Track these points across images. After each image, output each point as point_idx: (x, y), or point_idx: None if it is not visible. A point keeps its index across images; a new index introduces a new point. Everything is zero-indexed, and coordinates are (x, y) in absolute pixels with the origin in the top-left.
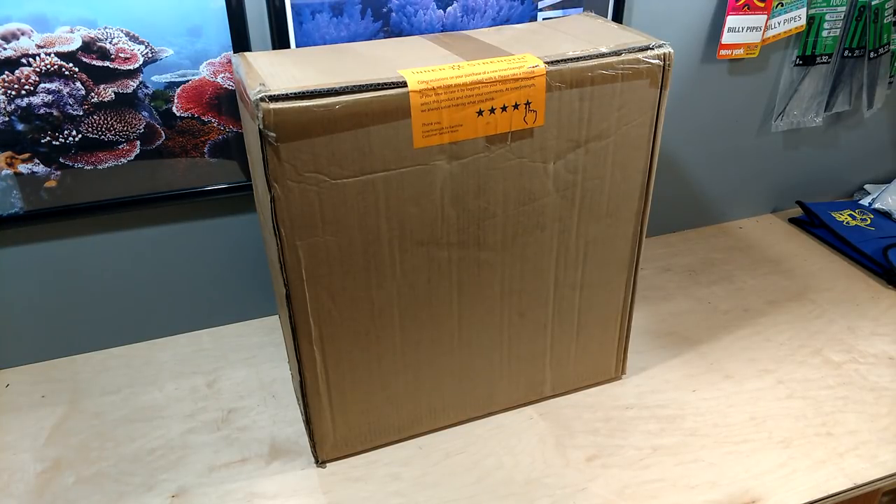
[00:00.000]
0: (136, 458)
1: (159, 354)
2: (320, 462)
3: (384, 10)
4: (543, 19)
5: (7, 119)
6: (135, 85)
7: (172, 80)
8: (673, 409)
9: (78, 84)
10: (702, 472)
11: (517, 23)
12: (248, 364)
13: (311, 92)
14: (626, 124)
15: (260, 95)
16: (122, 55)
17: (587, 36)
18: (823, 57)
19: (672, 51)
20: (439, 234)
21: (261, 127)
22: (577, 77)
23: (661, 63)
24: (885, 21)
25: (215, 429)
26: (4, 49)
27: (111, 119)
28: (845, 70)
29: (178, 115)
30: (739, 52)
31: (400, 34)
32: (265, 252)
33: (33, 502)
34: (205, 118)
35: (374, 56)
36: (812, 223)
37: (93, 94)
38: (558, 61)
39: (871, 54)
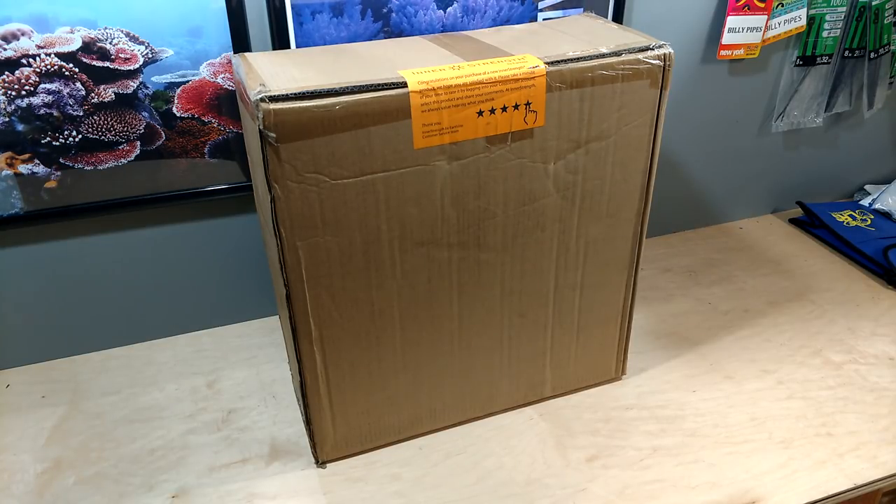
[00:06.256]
0: (136, 459)
1: (159, 355)
2: (320, 462)
3: (384, 10)
4: (543, 20)
5: (7, 119)
6: (135, 85)
7: (172, 80)
8: (673, 410)
9: (78, 84)
10: (702, 472)
11: (517, 23)
12: (248, 364)
13: (312, 92)
14: (627, 125)
15: (260, 96)
16: (122, 56)
17: (587, 36)
18: (824, 57)
19: (672, 51)
20: (439, 235)
21: (261, 127)
22: (578, 77)
23: (662, 63)
24: (885, 21)
25: (215, 429)
26: (4, 49)
27: (111, 119)
28: (845, 70)
29: (178, 115)
30: (740, 53)
31: (400, 34)
32: (265, 252)
33: (33, 503)
34: (205, 119)
35: (374, 56)
36: (812, 223)
37: (93, 94)
38: (558, 62)
39: (872, 55)
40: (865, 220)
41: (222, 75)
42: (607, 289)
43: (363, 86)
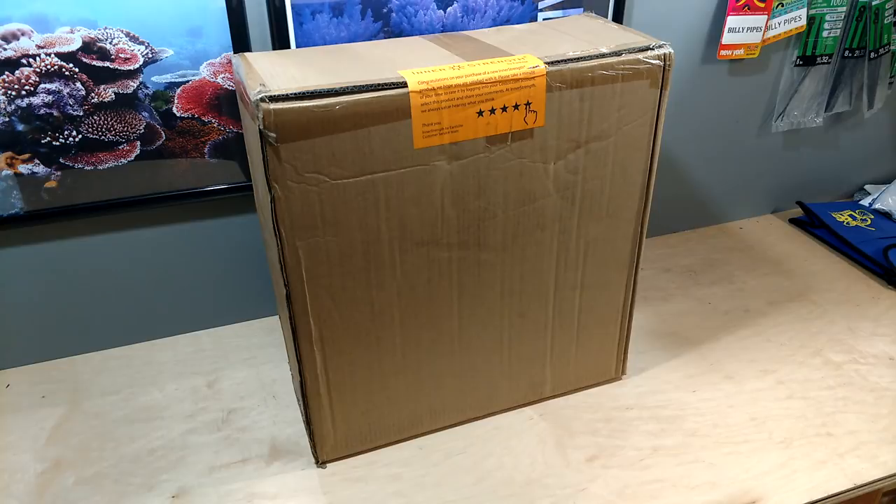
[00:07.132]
0: (136, 459)
1: (159, 355)
2: (320, 462)
3: (384, 10)
4: (543, 20)
5: (7, 119)
6: (135, 85)
7: (172, 80)
8: (673, 410)
9: (78, 84)
10: (702, 472)
11: (517, 23)
12: (248, 364)
13: (312, 92)
14: (627, 124)
15: (260, 96)
16: (122, 56)
17: (587, 36)
18: (824, 57)
19: (672, 51)
20: (440, 235)
21: (261, 127)
22: (578, 77)
23: (662, 63)
24: (885, 21)
25: (216, 429)
26: (4, 49)
27: (111, 119)
28: (845, 70)
29: (178, 115)
30: (740, 53)
31: (400, 34)
32: (265, 252)
33: (33, 503)
34: (205, 119)
35: (374, 56)
36: (812, 223)
37: (93, 94)
38: (559, 62)
39: (872, 55)
40: (865, 220)
41: (222, 75)
42: (607, 289)
43: (363, 86)
